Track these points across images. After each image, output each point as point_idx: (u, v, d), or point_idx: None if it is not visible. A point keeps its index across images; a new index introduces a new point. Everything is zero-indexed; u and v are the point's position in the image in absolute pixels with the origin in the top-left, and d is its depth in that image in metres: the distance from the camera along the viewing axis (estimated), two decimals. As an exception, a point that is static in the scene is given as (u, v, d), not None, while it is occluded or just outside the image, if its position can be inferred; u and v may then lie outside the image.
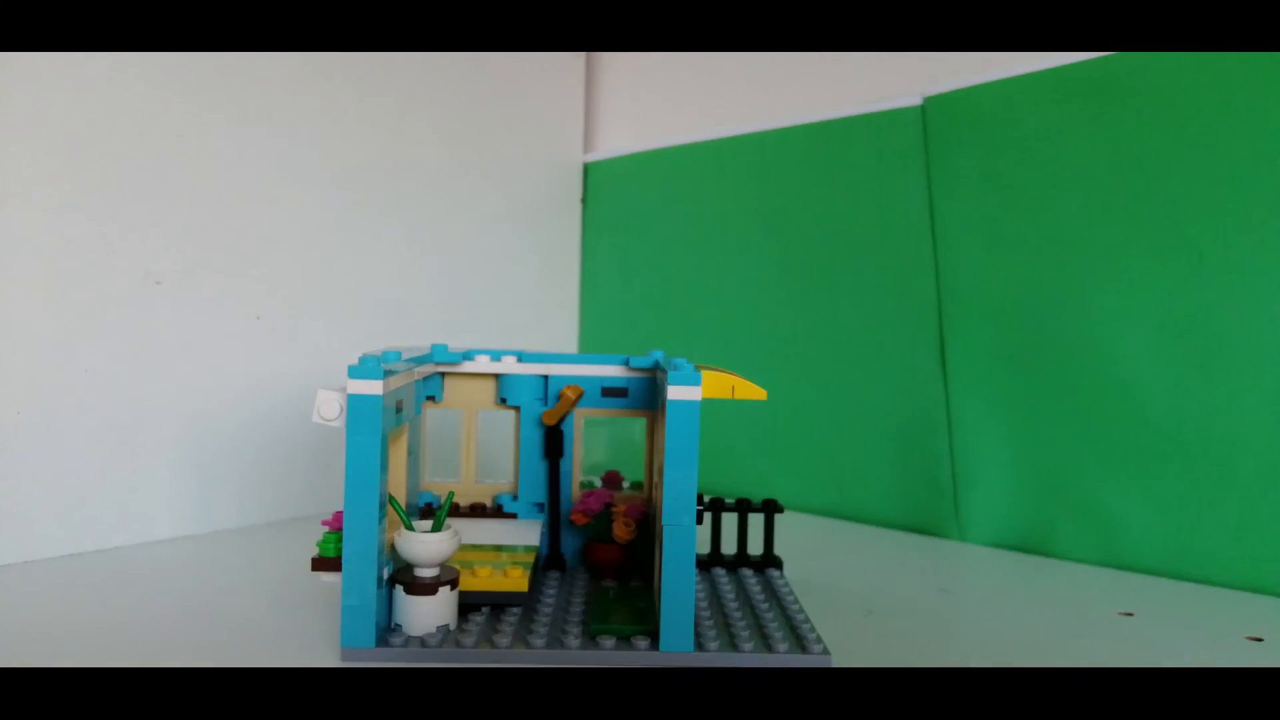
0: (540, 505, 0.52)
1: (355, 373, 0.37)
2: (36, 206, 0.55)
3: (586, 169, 0.89)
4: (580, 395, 0.50)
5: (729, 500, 0.54)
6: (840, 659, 0.42)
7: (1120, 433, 0.58)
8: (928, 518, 0.67)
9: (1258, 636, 0.46)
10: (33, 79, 0.54)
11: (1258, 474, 0.54)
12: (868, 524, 0.70)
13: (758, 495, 0.69)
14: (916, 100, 0.66)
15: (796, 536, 0.64)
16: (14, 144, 0.54)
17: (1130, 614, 0.50)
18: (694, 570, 0.39)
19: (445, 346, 0.51)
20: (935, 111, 0.65)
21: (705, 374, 0.41)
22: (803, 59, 0.75)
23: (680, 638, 0.39)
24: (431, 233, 0.77)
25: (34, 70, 0.54)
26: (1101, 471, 0.59)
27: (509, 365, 0.51)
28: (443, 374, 0.52)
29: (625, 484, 0.54)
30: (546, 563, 0.51)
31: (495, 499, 0.52)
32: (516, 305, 0.85)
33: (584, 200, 0.90)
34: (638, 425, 0.53)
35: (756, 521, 0.64)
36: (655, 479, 0.48)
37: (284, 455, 0.67)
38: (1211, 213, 0.55)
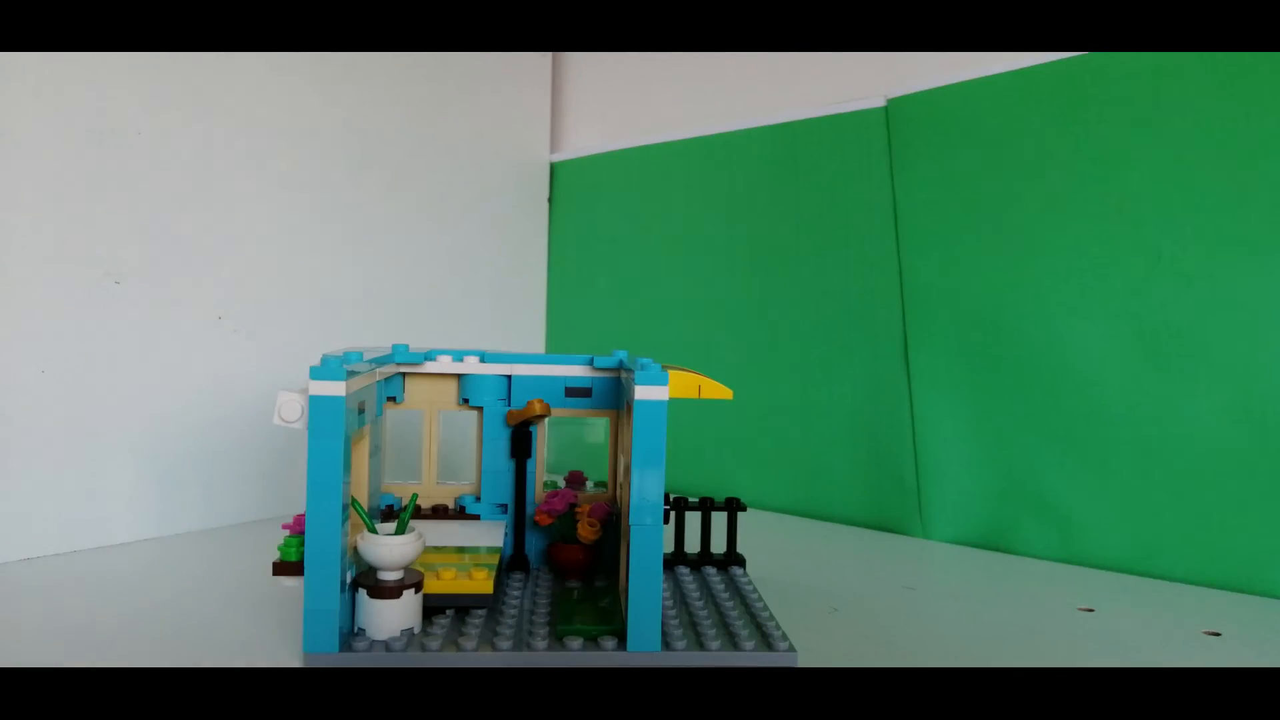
0: (503, 506, 0.51)
1: (317, 374, 0.37)
2: (-12, 204, 0.54)
3: (553, 169, 0.89)
4: (548, 412, 0.50)
5: (692, 499, 0.54)
6: (806, 657, 0.42)
7: (1080, 430, 0.59)
8: (891, 515, 0.68)
9: (1215, 631, 0.47)
10: (-16, 74, 0.53)
11: (1215, 470, 0.55)
12: (832, 521, 0.70)
13: (722, 494, 0.70)
14: (880, 102, 0.67)
15: (761, 535, 0.64)
16: (-36, 140, 0.53)
17: (1090, 610, 0.51)
18: (661, 570, 0.39)
19: (406, 347, 0.50)
20: (898, 113, 0.66)
21: (672, 374, 0.41)
22: (768, 60, 0.75)
23: (648, 638, 0.39)
24: (397, 232, 0.76)
25: (-15, 65, 0.53)
26: (1061, 469, 0.60)
27: (471, 365, 0.51)
28: (404, 374, 0.51)
29: (589, 483, 0.54)
30: (510, 564, 0.50)
31: (457, 500, 0.52)
32: (483, 305, 0.84)
33: (550, 200, 0.89)
34: (601, 425, 0.53)
35: (720, 520, 0.64)
36: (621, 478, 0.48)
37: (246, 457, 0.66)
38: (1169, 213, 0.56)
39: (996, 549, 0.63)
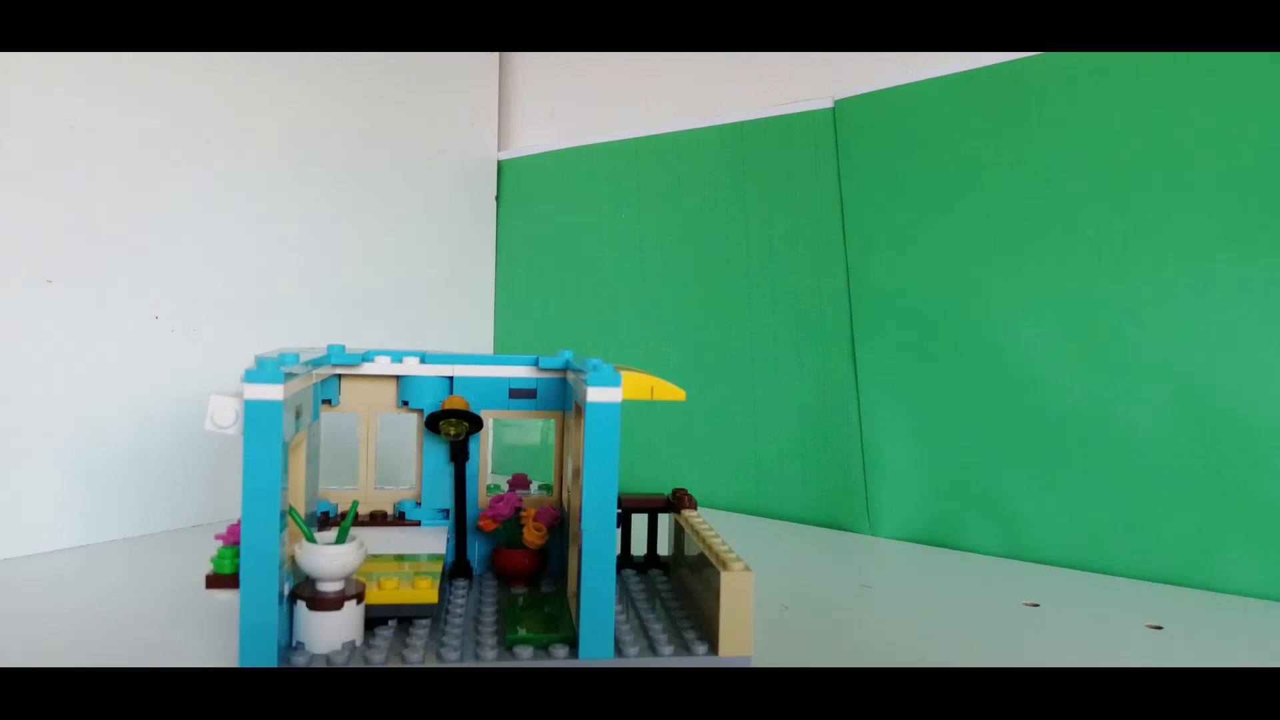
0: (445, 511, 0.50)
1: (253, 376, 0.35)
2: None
3: (501, 166, 0.88)
4: (465, 407, 0.48)
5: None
6: (759, 657, 0.41)
7: (1023, 428, 0.60)
8: (840, 513, 0.68)
9: (1157, 625, 0.48)
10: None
11: (1154, 466, 0.56)
12: (781, 520, 0.70)
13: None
14: (828, 103, 0.67)
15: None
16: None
17: (1035, 605, 0.51)
18: (614, 576, 0.38)
19: (343, 347, 0.49)
20: (846, 114, 0.66)
21: (625, 375, 0.40)
22: (717, 60, 0.75)
23: (600, 645, 0.38)
24: (341, 231, 0.74)
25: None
26: (1005, 466, 0.61)
27: (411, 366, 0.49)
28: (340, 376, 0.50)
29: (534, 486, 0.53)
30: (453, 570, 0.49)
31: (397, 506, 0.51)
32: (430, 304, 0.83)
33: (498, 198, 0.88)
34: (543, 426, 0.52)
35: (667, 522, 0.63)
36: (569, 481, 0.47)
37: (183, 461, 0.64)
38: (1109, 214, 0.57)
39: (942, 545, 0.63)
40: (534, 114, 0.87)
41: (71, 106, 0.57)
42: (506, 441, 0.66)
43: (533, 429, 0.54)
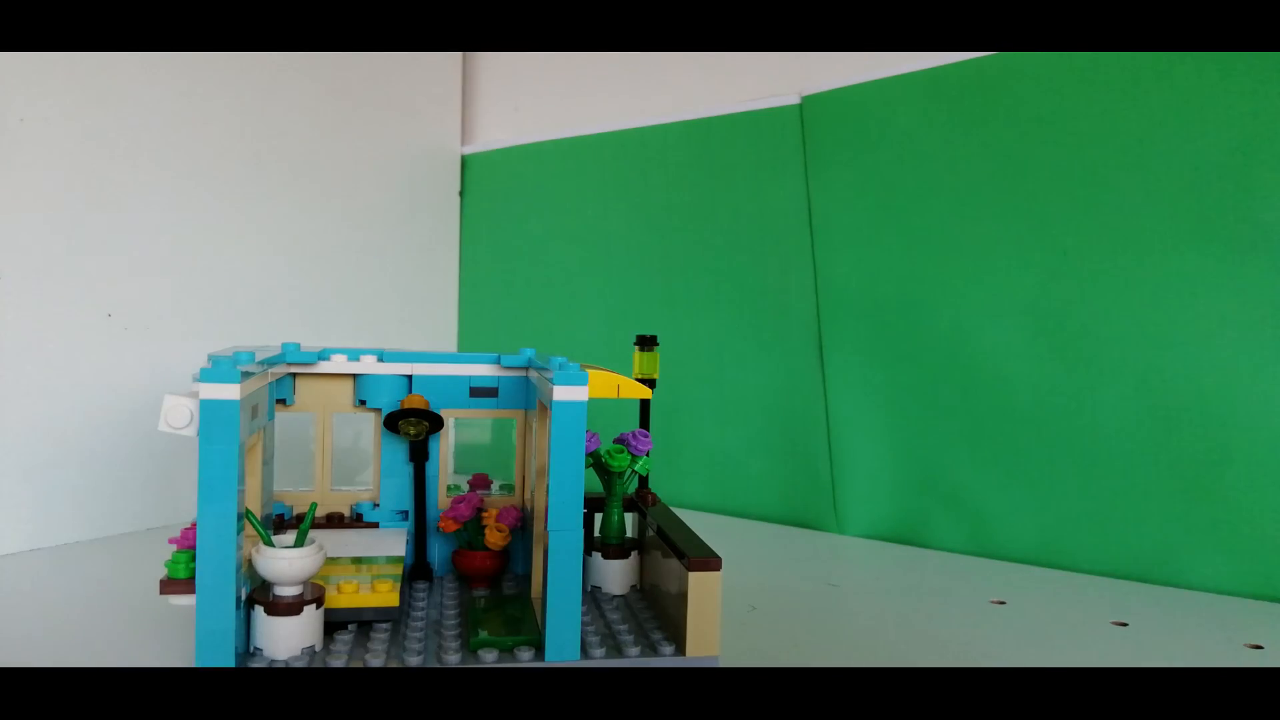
0: (404, 513, 0.49)
1: (208, 376, 0.34)
2: None
3: (464, 161, 0.87)
4: (425, 405, 0.47)
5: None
6: (727, 657, 0.41)
7: (989, 425, 0.60)
8: (808, 511, 0.68)
9: (1123, 621, 0.48)
10: None
11: (1118, 463, 0.56)
12: (749, 519, 0.70)
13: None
14: (795, 99, 0.66)
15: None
16: None
17: (1002, 602, 0.51)
18: (580, 577, 0.37)
19: (298, 345, 0.47)
20: (812, 110, 0.66)
21: (591, 374, 0.40)
22: (685, 56, 0.74)
23: (566, 647, 0.37)
24: (300, 227, 0.73)
25: None
26: (972, 463, 0.61)
27: (368, 365, 0.48)
28: (294, 375, 0.49)
29: (495, 486, 0.52)
30: (412, 572, 0.48)
31: (354, 508, 0.50)
32: (394, 302, 0.81)
33: (462, 193, 0.87)
34: (503, 425, 0.51)
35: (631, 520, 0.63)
36: (533, 481, 0.47)
37: (137, 462, 0.62)
38: (1075, 212, 0.57)
39: (910, 543, 0.63)
40: (499, 108, 0.86)
41: (20, 100, 0.56)
42: (466, 441, 0.65)
43: (501, 428, 0.53)
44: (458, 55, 0.87)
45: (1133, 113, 0.55)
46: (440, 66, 0.85)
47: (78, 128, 0.59)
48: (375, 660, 0.37)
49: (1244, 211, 0.52)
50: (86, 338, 0.60)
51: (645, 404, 0.50)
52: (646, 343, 0.48)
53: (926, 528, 0.63)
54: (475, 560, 0.47)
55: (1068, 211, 0.57)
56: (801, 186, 0.66)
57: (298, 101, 0.72)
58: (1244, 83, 0.52)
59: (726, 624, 0.46)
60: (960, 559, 0.60)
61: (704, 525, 0.67)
